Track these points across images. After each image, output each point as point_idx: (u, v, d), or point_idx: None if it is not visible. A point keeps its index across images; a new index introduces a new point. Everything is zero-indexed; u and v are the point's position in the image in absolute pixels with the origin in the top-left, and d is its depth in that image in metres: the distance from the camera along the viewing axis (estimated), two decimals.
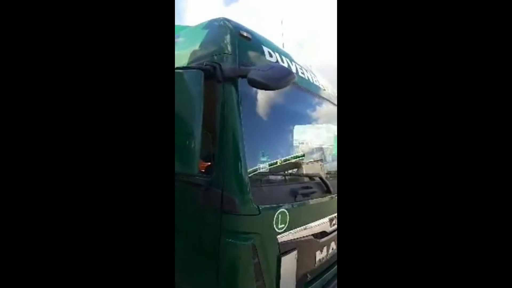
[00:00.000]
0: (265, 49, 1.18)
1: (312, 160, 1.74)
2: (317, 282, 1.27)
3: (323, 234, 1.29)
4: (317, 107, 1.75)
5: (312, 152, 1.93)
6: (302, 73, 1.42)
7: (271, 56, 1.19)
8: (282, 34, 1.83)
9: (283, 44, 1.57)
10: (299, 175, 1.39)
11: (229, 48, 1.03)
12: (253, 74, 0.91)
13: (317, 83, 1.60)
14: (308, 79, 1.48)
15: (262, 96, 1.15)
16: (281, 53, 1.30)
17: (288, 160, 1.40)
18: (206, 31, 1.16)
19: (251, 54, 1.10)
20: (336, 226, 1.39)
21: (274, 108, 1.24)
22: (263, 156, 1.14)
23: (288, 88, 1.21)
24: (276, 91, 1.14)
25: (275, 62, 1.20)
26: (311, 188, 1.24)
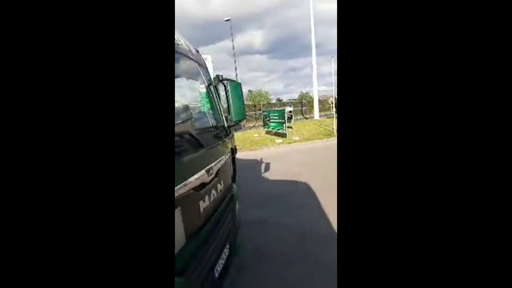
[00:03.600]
0: None
1: (180, 120, 1.71)
2: (205, 228, 1.39)
3: (203, 185, 1.38)
4: (175, 64, 1.65)
5: (178, 112, 1.88)
6: None
7: None
8: None
9: None
10: None
11: None
12: None
13: None
14: None
15: None
16: None
17: None
18: None
19: None
20: (213, 175, 1.52)
21: None
22: None
23: None
24: None
25: None
26: (183, 145, 1.24)
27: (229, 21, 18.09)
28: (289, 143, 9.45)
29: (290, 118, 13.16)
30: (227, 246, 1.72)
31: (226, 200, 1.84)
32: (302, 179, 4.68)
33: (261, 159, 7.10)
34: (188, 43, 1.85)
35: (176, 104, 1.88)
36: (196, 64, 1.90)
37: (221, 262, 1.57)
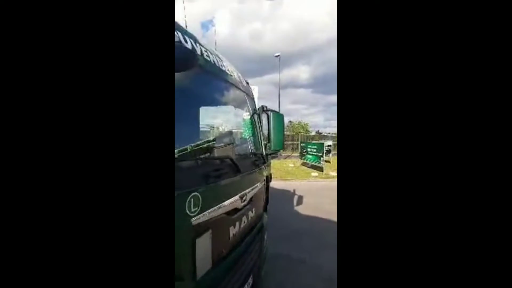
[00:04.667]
0: None
1: (222, 144, 1.80)
2: (231, 255, 1.37)
3: (235, 210, 1.40)
4: (225, 92, 1.79)
5: (222, 137, 2.00)
6: (208, 56, 1.41)
7: None
8: (185, 15, 1.73)
9: (185, 24, 1.49)
10: (210, 159, 1.42)
11: None
12: None
13: (223, 68, 1.63)
14: (214, 63, 1.49)
15: None
16: (185, 33, 1.24)
17: (199, 145, 1.40)
18: None
19: None
20: (246, 201, 1.53)
21: (182, 93, 1.19)
22: None
23: (193, 71, 1.18)
24: (181, 74, 1.10)
25: (178, 42, 1.14)
26: (222, 169, 1.29)
27: (278, 57, 19.16)
28: (326, 177, 9.06)
29: (328, 152, 12.76)
30: (251, 278, 1.65)
31: (256, 229, 1.81)
32: (334, 218, 4.37)
33: (294, 190, 6.89)
34: (239, 75, 2.01)
35: (221, 129, 2.00)
36: (245, 94, 2.03)
37: None
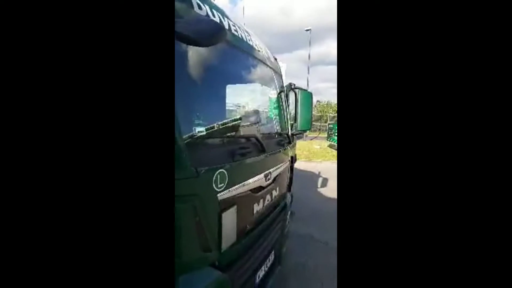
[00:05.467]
0: (194, 0, 1.06)
1: (248, 123, 1.79)
2: (255, 231, 1.42)
3: (260, 188, 1.41)
4: (252, 69, 1.75)
5: (248, 115, 1.98)
6: (236, 30, 1.36)
7: (200, 8, 1.09)
8: None
9: None
10: (237, 137, 1.43)
11: None
12: (180, 27, 0.82)
13: (251, 43, 1.57)
14: (242, 37, 1.44)
15: (193, 55, 1.07)
16: (212, 7, 1.20)
17: (226, 124, 1.41)
18: None
19: (178, 5, 0.98)
20: (270, 180, 1.54)
21: (208, 69, 1.18)
22: (199, 119, 1.10)
23: (220, 46, 1.15)
24: (208, 49, 1.08)
25: (206, 16, 1.10)
26: (247, 148, 1.29)
27: (309, 31, 18.07)
28: None
29: None
30: (272, 254, 1.71)
31: (279, 208, 1.83)
32: None
33: (319, 172, 6.80)
34: (267, 50, 1.93)
35: (247, 107, 1.98)
36: (272, 71, 1.96)
37: (264, 268, 1.57)
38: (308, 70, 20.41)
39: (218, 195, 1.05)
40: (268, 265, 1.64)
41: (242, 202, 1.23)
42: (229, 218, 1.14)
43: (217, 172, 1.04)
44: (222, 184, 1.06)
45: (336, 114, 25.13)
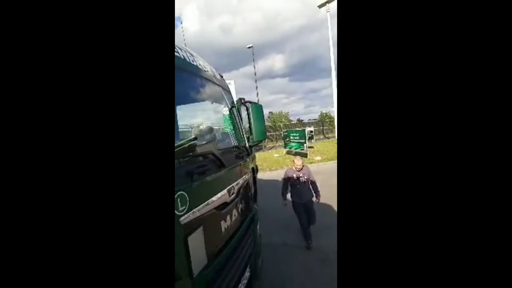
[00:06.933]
0: None
1: (204, 141, 1.78)
2: (226, 249, 1.38)
3: (225, 204, 1.40)
4: (201, 89, 1.76)
5: (203, 133, 1.96)
6: (177, 52, 1.38)
7: None
8: None
9: None
10: (193, 157, 1.41)
11: None
12: None
13: (195, 63, 1.59)
14: (185, 58, 1.45)
15: None
16: None
17: (180, 146, 1.37)
18: None
19: None
20: (234, 195, 1.53)
21: None
22: None
23: None
24: None
25: None
26: (206, 165, 1.28)
27: (251, 48, 18.98)
28: (310, 163, 9.27)
29: (311, 138, 12.99)
30: (248, 269, 1.68)
31: (247, 221, 1.83)
32: (325, 201, 4.51)
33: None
34: (213, 70, 1.98)
35: (201, 126, 1.97)
36: (220, 88, 2.01)
37: (241, 286, 1.53)
38: (256, 85, 21.28)
39: (181, 219, 1.01)
40: (245, 283, 1.60)
41: (208, 221, 1.20)
42: (196, 241, 1.09)
43: (177, 195, 1.00)
44: (184, 207, 1.03)
45: (289, 123, 26.48)
